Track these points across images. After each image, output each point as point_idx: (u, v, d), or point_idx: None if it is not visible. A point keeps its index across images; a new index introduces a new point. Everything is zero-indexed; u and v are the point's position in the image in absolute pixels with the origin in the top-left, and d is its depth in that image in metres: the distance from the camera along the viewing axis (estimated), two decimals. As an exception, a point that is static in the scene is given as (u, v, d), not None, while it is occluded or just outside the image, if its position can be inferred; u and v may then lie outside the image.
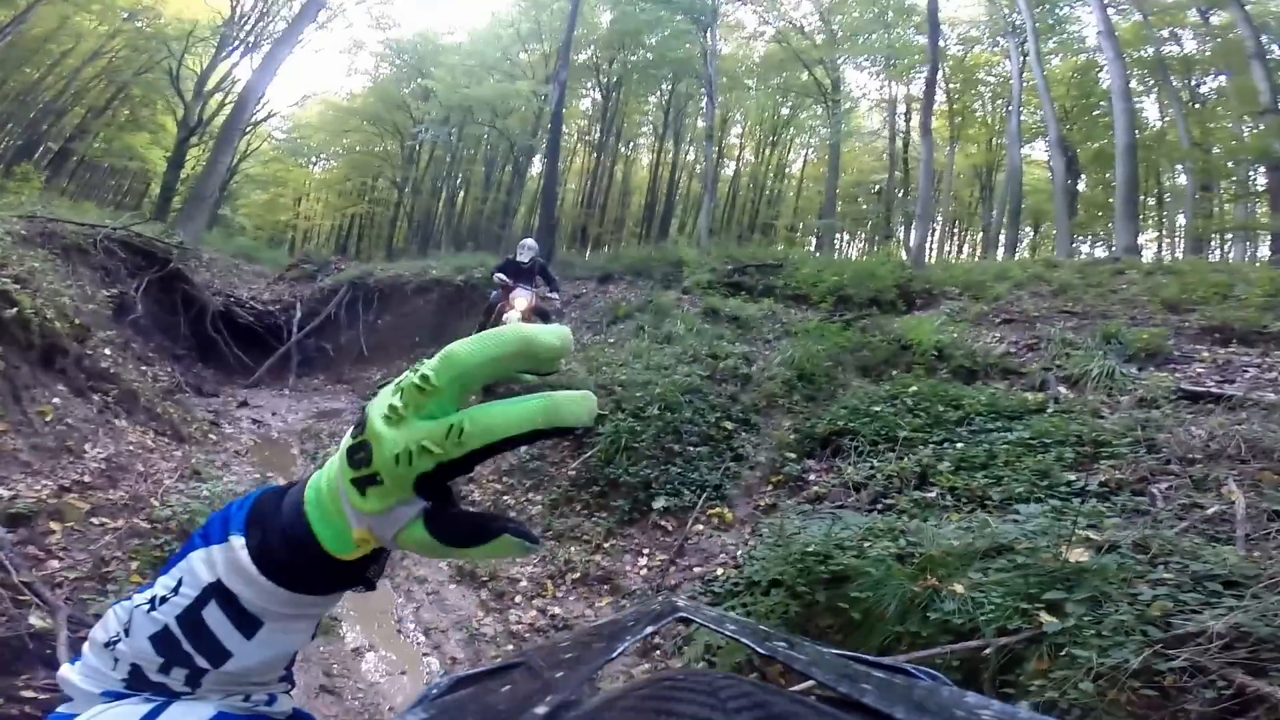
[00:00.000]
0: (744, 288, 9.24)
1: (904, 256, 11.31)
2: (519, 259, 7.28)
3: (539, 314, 7.27)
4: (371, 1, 19.70)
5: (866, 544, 3.03)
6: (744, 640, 0.32)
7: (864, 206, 24.71)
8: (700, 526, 4.33)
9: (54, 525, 3.24)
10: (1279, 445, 3.25)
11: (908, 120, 20.92)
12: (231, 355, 9.41)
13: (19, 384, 4.09)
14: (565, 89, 14.78)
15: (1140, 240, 13.17)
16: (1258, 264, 11.40)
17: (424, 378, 0.35)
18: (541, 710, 0.24)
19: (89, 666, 0.43)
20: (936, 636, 2.45)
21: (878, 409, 4.84)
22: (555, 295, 7.54)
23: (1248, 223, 13.65)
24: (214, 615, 0.40)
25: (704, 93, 15.89)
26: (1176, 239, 19.75)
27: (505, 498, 4.99)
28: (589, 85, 21.89)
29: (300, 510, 0.39)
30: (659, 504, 4.50)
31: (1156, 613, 2.10)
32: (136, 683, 0.41)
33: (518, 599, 3.90)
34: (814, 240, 21.88)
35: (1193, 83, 15.97)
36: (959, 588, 2.52)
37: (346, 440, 0.37)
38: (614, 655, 0.31)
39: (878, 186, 23.46)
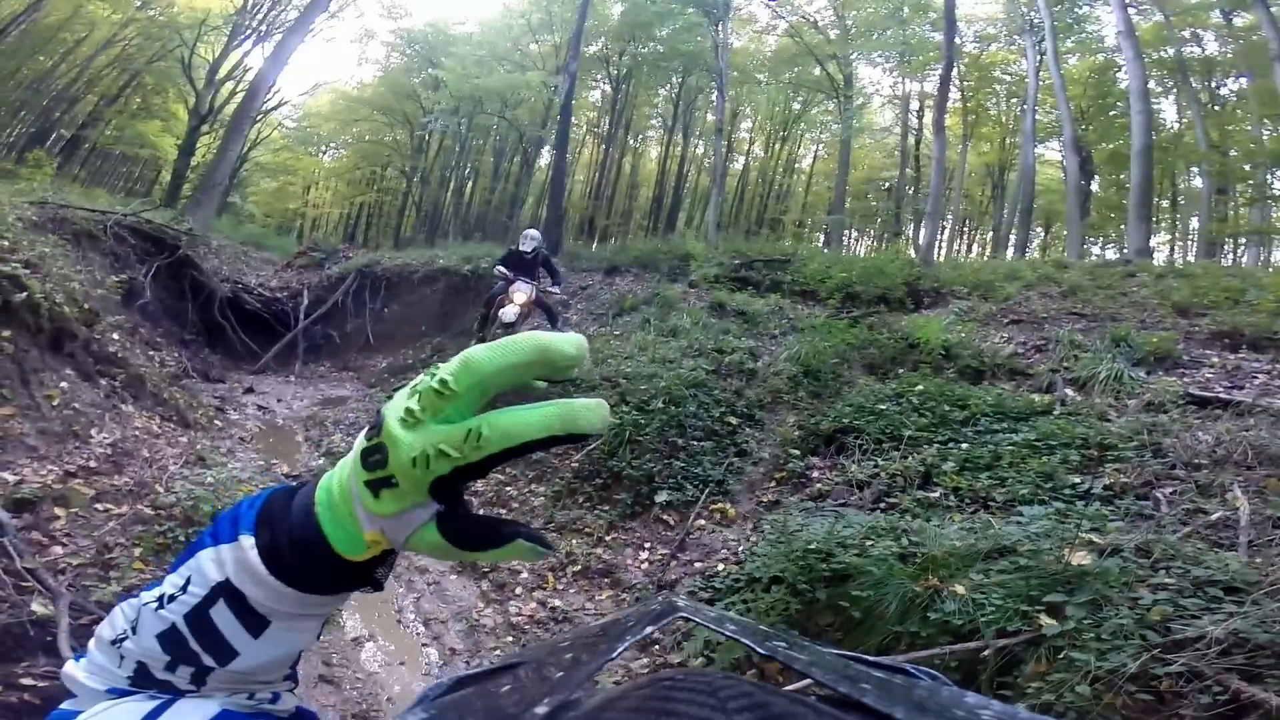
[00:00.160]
0: (751, 282, 9.22)
1: (913, 254, 11.23)
2: (522, 249, 7.28)
3: (539, 306, 7.26)
4: (383, -10, 19.69)
5: (869, 543, 3.03)
6: (744, 640, 0.32)
7: (874, 203, 24.58)
8: (702, 521, 4.34)
9: (58, 511, 3.25)
10: (1287, 452, 3.23)
11: (920, 117, 20.77)
12: (239, 341, 9.46)
13: (27, 368, 4.11)
14: (575, 80, 14.73)
15: (1153, 243, 13.07)
16: (1271, 269, 11.29)
17: (443, 382, 0.35)
18: (541, 710, 0.25)
19: (94, 664, 0.43)
20: (936, 637, 2.45)
21: (883, 407, 4.83)
22: (556, 288, 7.54)
23: (1263, 227, 13.53)
24: (222, 614, 0.40)
25: (714, 86, 15.79)
26: (1190, 242, 19.59)
27: (508, 489, 5.01)
28: (599, 77, 21.80)
29: (311, 511, 0.39)
30: (661, 498, 4.52)
31: (1156, 617, 2.09)
32: (142, 681, 0.42)
33: (518, 591, 3.91)
34: (822, 236, 21.76)
35: (1212, 84, 15.78)
36: (960, 588, 2.52)
37: (360, 442, 0.37)
38: (614, 655, 0.31)
39: (888, 183, 23.33)
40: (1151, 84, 14.56)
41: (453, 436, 0.34)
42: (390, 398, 0.38)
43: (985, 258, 19.84)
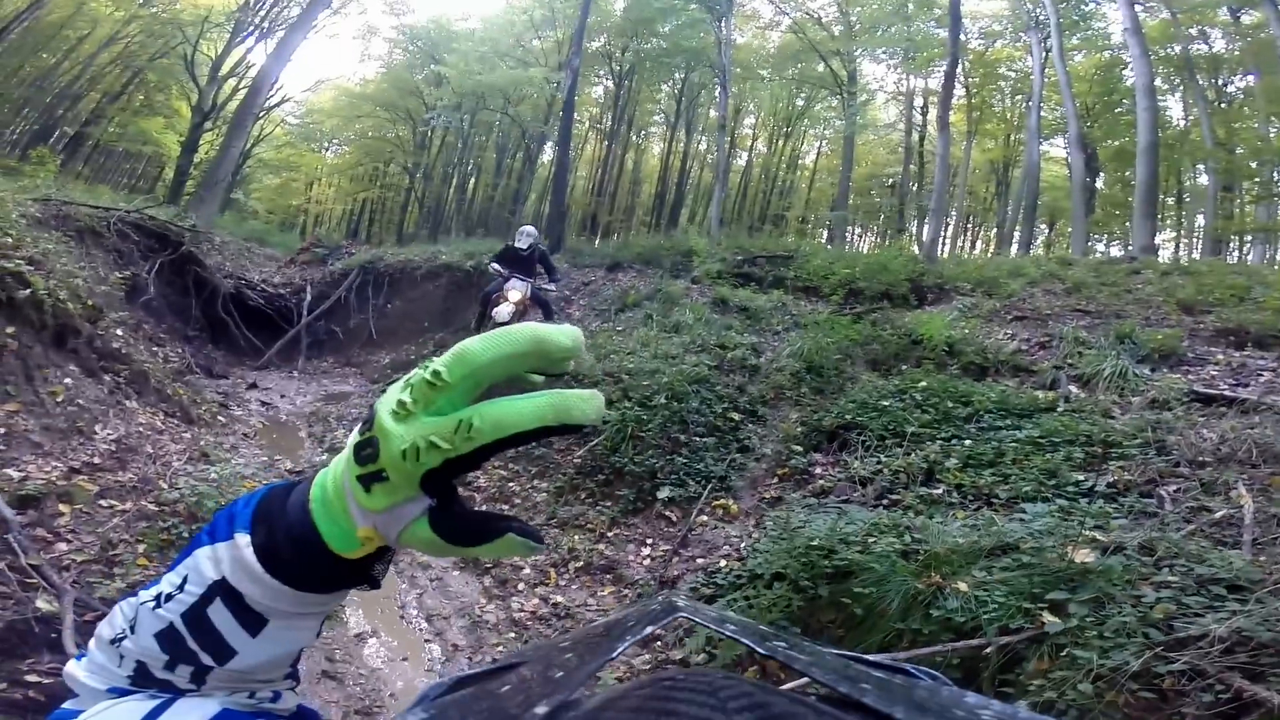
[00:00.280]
0: (754, 278, 9.20)
1: (916, 251, 11.20)
2: (518, 245, 7.22)
3: (536, 303, 7.23)
4: (385, -14, 19.68)
5: (871, 539, 3.02)
6: (744, 640, 0.32)
7: (877, 200, 24.55)
8: (704, 518, 4.34)
9: (63, 507, 3.26)
10: (1292, 450, 3.22)
11: (924, 113, 20.73)
12: (242, 337, 9.49)
13: (31, 364, 4.13)
14: (578, 76, 14.70)
15: (1158, 240, 13.00)
16: (1277, 266, 11.25)
17: (435, 373, 0.35)
18: (541, 710, 0.24)
19: (95, 663, 0.43)
20: (939, 634, 2.45)
21: (886, 404, 4.82)
22: (552, 285, 7.51)
23: (1269, 224, 13.47)
24: (219, 613, 0.40)
25: (717, 82, 15.74)
26: (1195, 239, 19.50)
27: (511, 484, 5.01)
28: (601, 73, 21.77)
29: (306, 508, 0.39)
30: (664, 494, 4.52)
31: (1159, 615, 2.09)
32: (142, 680, 0.42)
33: (520, 587, 3.92)
34: (826, 232, 21.71)
35: (1219, 82, 15.69)
36: (963, 586, 2.51)
37: (354, 436, 0.37)
38: (614, 655, 0.31)
39: (891, 180, 23.29)
40: (1158, 81, 14.48)
41: (443, 428, 0.34)
42: (385, 390, 0.38)
43: (989, 254, 19.81)
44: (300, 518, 0.39)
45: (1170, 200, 19.20)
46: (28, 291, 4.30)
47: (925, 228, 13.30)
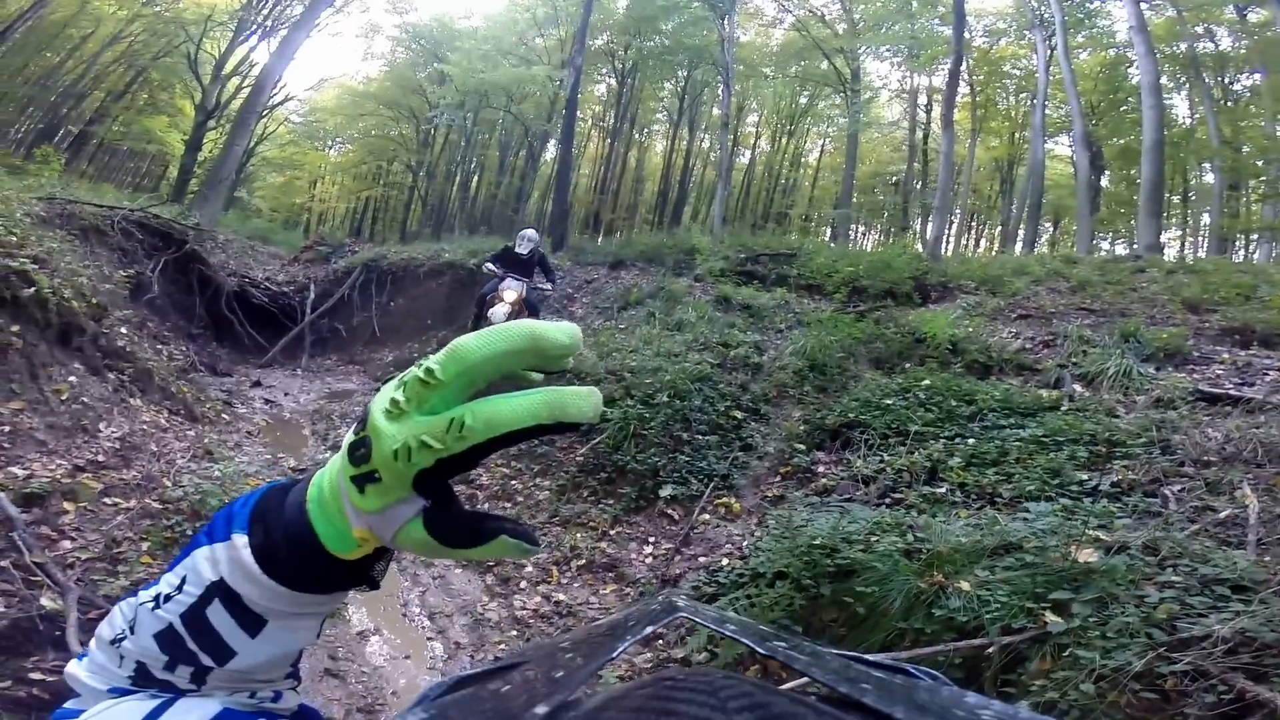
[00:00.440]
0: (757, 276, 9.19)
1: (920, 249, 11.17)
2: (518, 250, 7.20)
3: (528, 304, 7.21)
4: (388, -15, 19.69)
5: (874, 538, 3.02)
6: (744, 640, 0.32)
7: (881, 198, 24.48)
8: (707, 516, 4.34)
9: (67, 505, 3.27)
10: (1297, 450, 3.20)
11: (928, 111, 20.66)
12: (246, 335, 9.51)
13: (36, 362, 4.14)
14: (580, 75, 14.68)
15: (1163, 238, 12.96)
16: (1283, 264, 11.18)
17: (428, 371, 0.34)
18: (541, 710, 0.24)
19: (96, 663, 0.43)
20: (941, 633, 2.45)
21: (889, 402, 4.81)
22: (548, 285, 7.50)
23: (1275, 223, 13.41)
24: (218, 614, 0.40)
25: (720, 80, 15.71)
26: (1201, 238, 19.42)
27: (513, 482, 5.02)
28: (604, 71, 21.76)
29: (302, 508, 0.39)
30: (666, 492, 4.52)
31: (1162, 615, 2.08)
32: (142, 680, 0.42)
33: (523, 585, 3.93)
34: (829, 230, 21.68)
35: (1225, 80, 15.62)
36: (965, 585, 2.51)
37: (349, 436, 0.37)
38: (614, 655, 0.31)
39: (895, 178, 23.23)
40: (1164, 79, 14.42)
41: (435, 427, 0.33)
42: (381, 389, 0.37)
43: (993, 253, 19.77)
44: (297, 518, 0.39)
45: (1176, 199, 19.14)
46: (32, 290, 4.31)
47: (929, 226, 13.27)
